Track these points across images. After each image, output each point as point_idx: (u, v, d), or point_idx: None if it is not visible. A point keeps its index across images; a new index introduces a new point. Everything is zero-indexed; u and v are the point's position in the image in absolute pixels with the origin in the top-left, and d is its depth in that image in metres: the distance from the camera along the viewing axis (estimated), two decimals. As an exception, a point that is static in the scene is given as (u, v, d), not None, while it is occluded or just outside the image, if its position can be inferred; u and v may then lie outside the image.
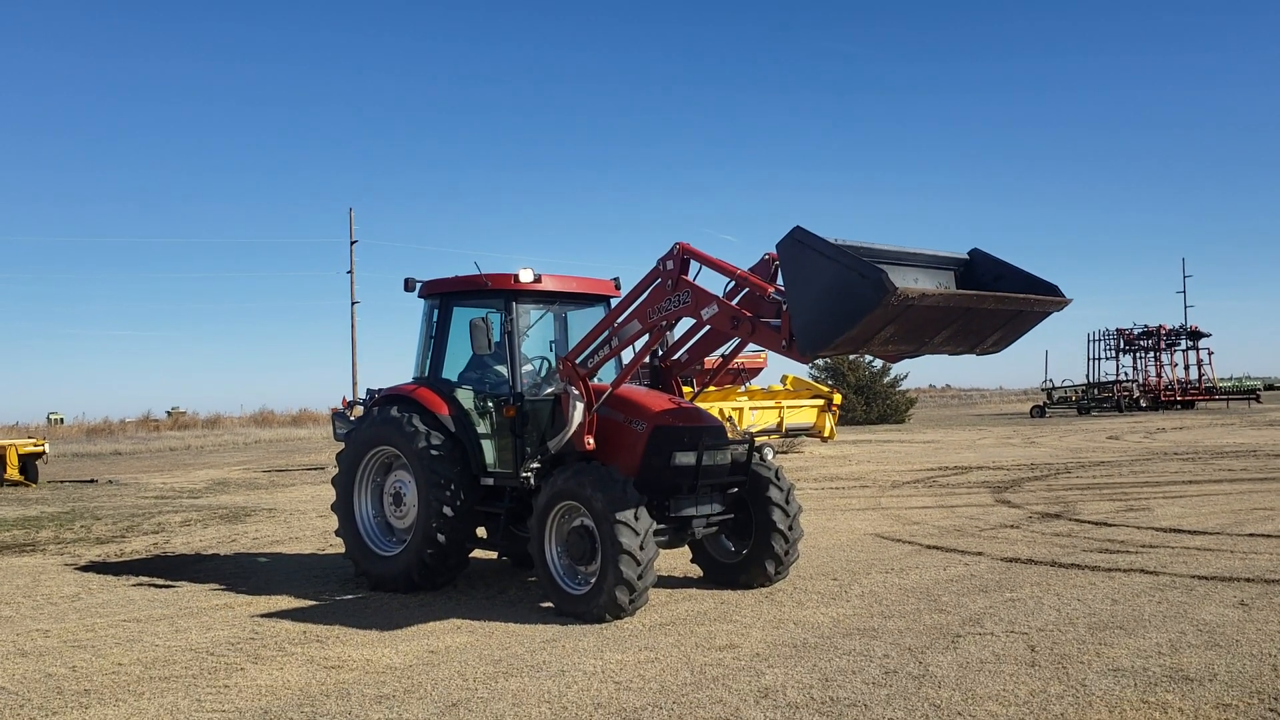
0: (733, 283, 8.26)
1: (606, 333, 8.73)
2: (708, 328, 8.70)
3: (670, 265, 8.29)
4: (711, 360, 9.73)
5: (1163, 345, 59.03)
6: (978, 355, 8.01)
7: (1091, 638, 7.11)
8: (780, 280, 8.28)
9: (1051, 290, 7.57)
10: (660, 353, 9.59)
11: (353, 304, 53.79)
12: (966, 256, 8.02)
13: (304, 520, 15.87)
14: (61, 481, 26.89)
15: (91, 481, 26.82)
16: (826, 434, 27.63)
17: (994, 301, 7.24)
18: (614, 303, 10.35)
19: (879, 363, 52.63)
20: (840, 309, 6.66)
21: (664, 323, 8.52)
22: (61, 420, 74.30)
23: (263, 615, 8.85)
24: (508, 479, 9.33)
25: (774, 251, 8.47)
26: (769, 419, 25.96)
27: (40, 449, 26.52)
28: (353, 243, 54.10)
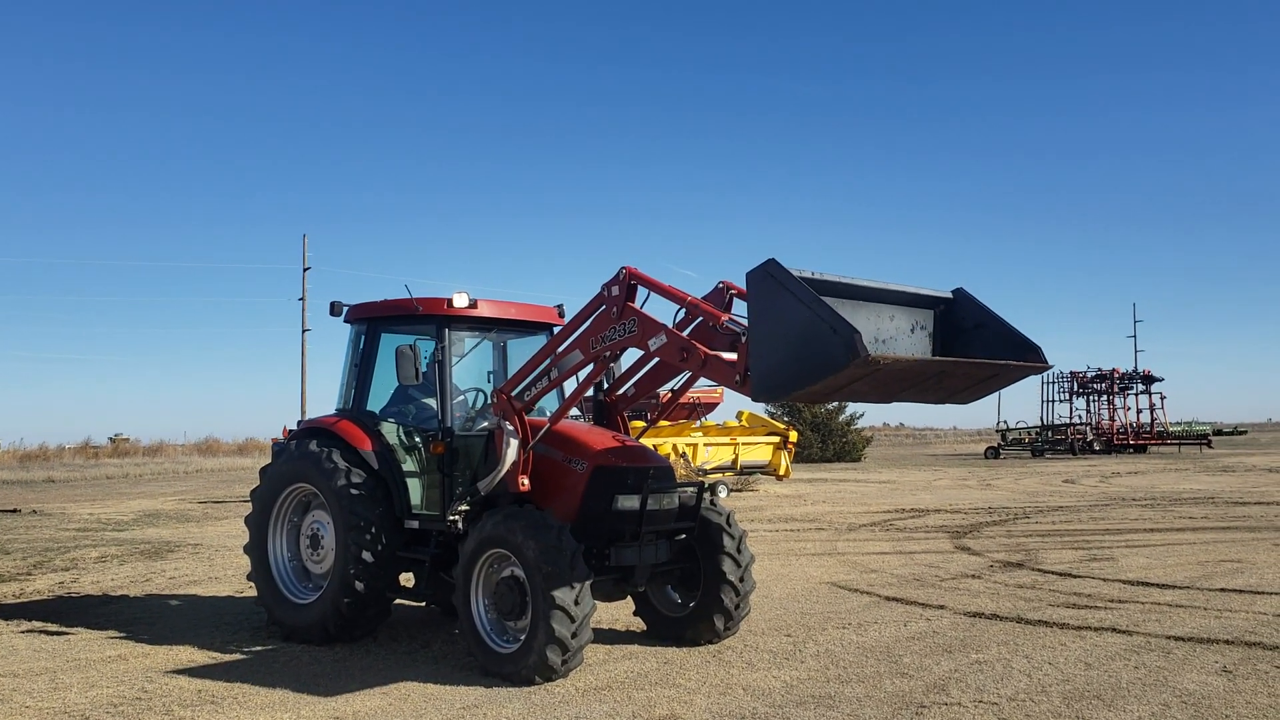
0: (683, 311, 7.59)
1: (546, 363, 8.02)
2: (656, 360, 8.02)
3: (615, 291, 7.60)
4: (665, 393, 9.07)
5: (1116, 389, 59.29)
6: (945, 404, 7.47)
7: (1068, 709, 6.46)
8: (734, 310, 7.69)
9: (1031, 351, 7.05)
10: (605, 385, 8.89)
11: (304, 331, 52.55)
12: (950, 295, 7.47)
13: (227, 558, 14.90)
14: (-18, 511, 25.59)
15: (14, 511, 25.53)
16: (782, 472, 27.05)
17: (970, 367, 6.80)
18: (557, 331, 9.66)
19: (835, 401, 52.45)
20: (805, 361, 6.05)
21: (608, 353, 7.82)
22: (-1, 445, 72.07)
23: (158, 670, 7.97)
24: (434, 522, 8.55)
25: (728, 280, 7.89)
26: (724, 456, 25.34)
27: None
28: (305, 269, 52.96)
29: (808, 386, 6.25)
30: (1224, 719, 6.19)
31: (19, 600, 11.58)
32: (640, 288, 7.61)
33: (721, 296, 7.90)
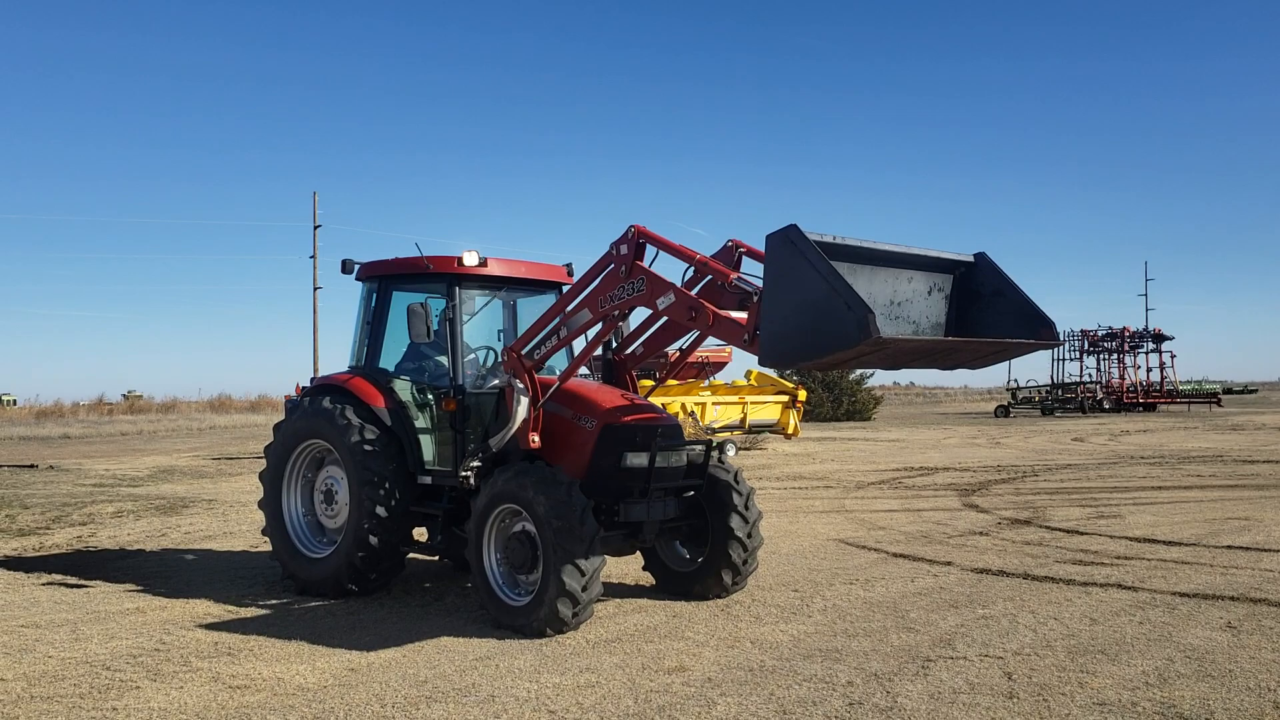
0: (692, 270, 7.59)
1: (555, 322, 8.06)
2: (665, 318, 8.05)
3: (624, 249, 7.61)
4: (674, 352, 9.10)
5: (1127, 347, 59.12)
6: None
7: (1072, 664, 6.54)
8: (743, 269, 7.66)
9: (1044, 326, 7.11)
10: (614, 344, 8.93)
11: (315, 289, 52.59)
12: (970, 259, 7.46)
13: (242, 513, 15.07)
14: (1, 466, 25.86)
15: (31, 466, 25.81)
16: (791, 431, 27.13)
17: (978, 345, 6.89)
18: (566, 290, 9.68)
19: (845, 359, 52.38)
20: (817, 332, 6.06)
21: (616, 312, 7.85)
22: (14, 401, 72.67)
23: (175, 622, 8.11)
24: (446, 478, 8.63)
25: (738, 238, 7.88)
26: (732, 415, 25.41)
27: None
28: (316, 227, 52.88)
29: (816, 358, 6.32)
30: (1228, 674, 6.26)
31: (39, 553, 11.76)
32: (649, 246, 7.61)
33: (730, 255, 7.88)
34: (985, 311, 7.37)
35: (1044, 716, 5.51)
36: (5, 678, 6.58)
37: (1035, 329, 7.10)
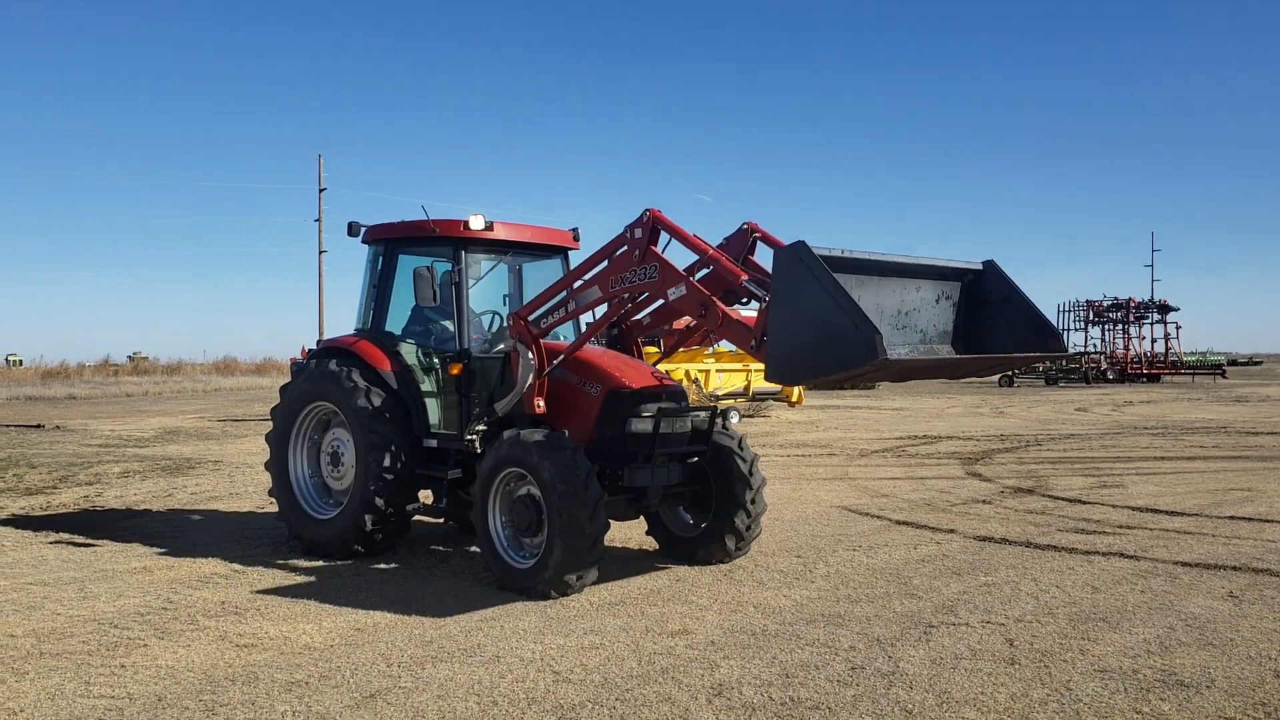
0: (704, 267, 7.60)
1: (564, 294, 8.10)
2: None
3: (639, 233, 7.61)
4: (680, 322, 9.11)
5: (1132, 318, 58.95)
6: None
7: (1074, 631, 6.57)
8: (758, 254, 7.82)
9: (1051, 336, 7.29)
10: (622, 312, 8.93)
11: (320, 252, 52.53)
12: (979, 267, 7.57)
13: (248, 474, 15.14)
14: (7, 426, 25.96)
15: (38, 427, 25.90)
16: (794, 399, 27.16)
17: (985, 360, 7.22)
18: (572, 255, 9.67)
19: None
20: (823, 351, 6.12)
21: (626, 295, 7.87)
22: (20, 362, 72.76)
23: (182, 582, 8.17)
24: (452, 441, 8.66)
25: (753, 221, 7.91)
26: (736, 382, 25.42)
27: (-16, 392, 25.56)
28: (321, 190, 52.75)
29: (823, 376, 6.43)
30: (1229, 642, 6.29)
31: (46, 513, 11.83)
32: (662, 232, 7.60)
33: (745, 239, 7.92)
34: (993, 318, 7.56)
35: (1045, 683, 5.55)
36: (15, 634, 6.64)
37: (1043, 339, 7.28)
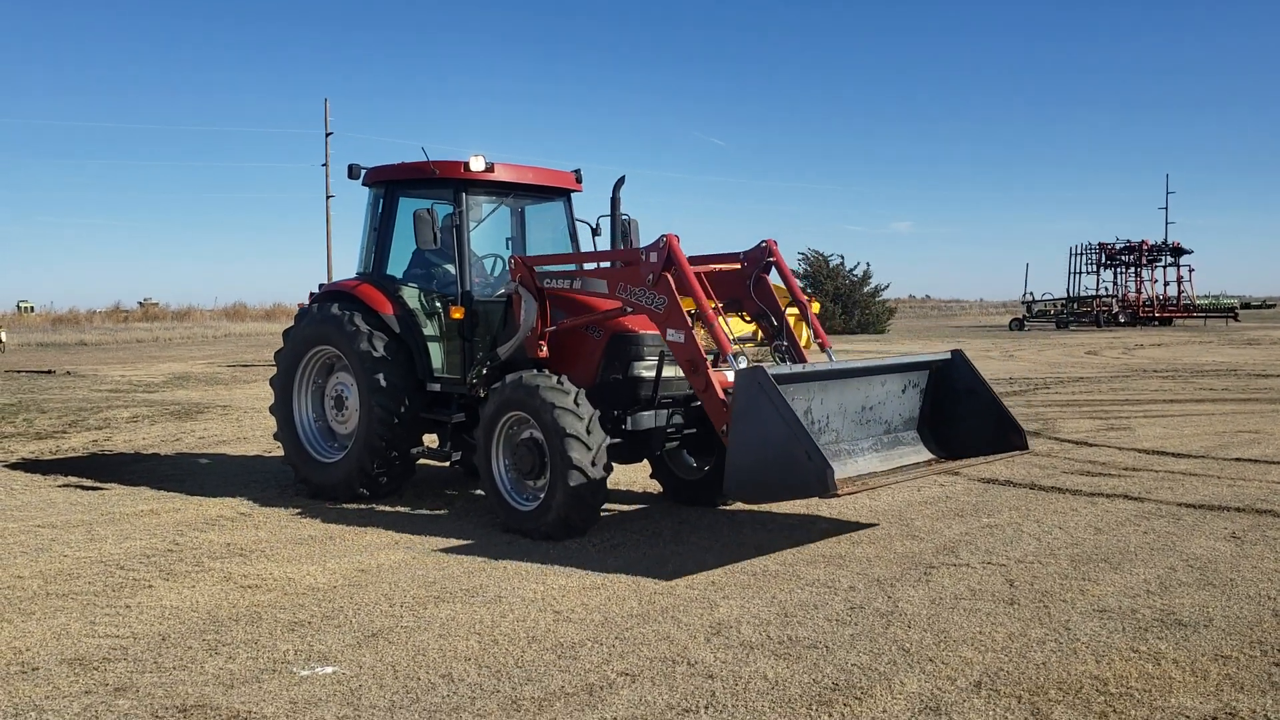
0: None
1: (572, 267, 8.25)
2: None
3: (654, 258, 7.56)
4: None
5: (1144, 261, 58.43)
6: None
7: (1075, 571, 6.58)
8: (770, 276, 8.22)
9: (1013, 432, 7.75)
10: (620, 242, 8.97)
11: (328, 197, 52.31)
12: (948, 356, 8.13)
13: (255, 419, 15.21)
14: (18, 371, 26.13)
15: (49, 372, 26.06)
16: (803, 343, 27.04)
17: (940, 470, 7.73)
18: (574, 197, 9.59)
19: (859, 270, 52.04)
20: (779, 474, 6.39)
21: (629, 308, 7.85)
22: (31, 308, 72.99)
23: (188, 524, 8.24)
24: (455, 385, 8.66)
25: (772, 240, 8.06)
26: (743, 327, 25.31)
27: (-3, 337, 25.71)
28: (328, 134, 52.37)
29: (777, 499, 7.06)
30: (1229, 583, 6.29)
31: (55, 457, 11.91)
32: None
33: (760, 257, 8.05)
34: (958, 406, 8.05)
35: (1043, 622, 5.56)
36: (22, 575, 6.71)
37: (1004, 438, 7.77)
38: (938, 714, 4.36)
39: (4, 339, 26.25)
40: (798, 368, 7.06)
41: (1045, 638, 5.31)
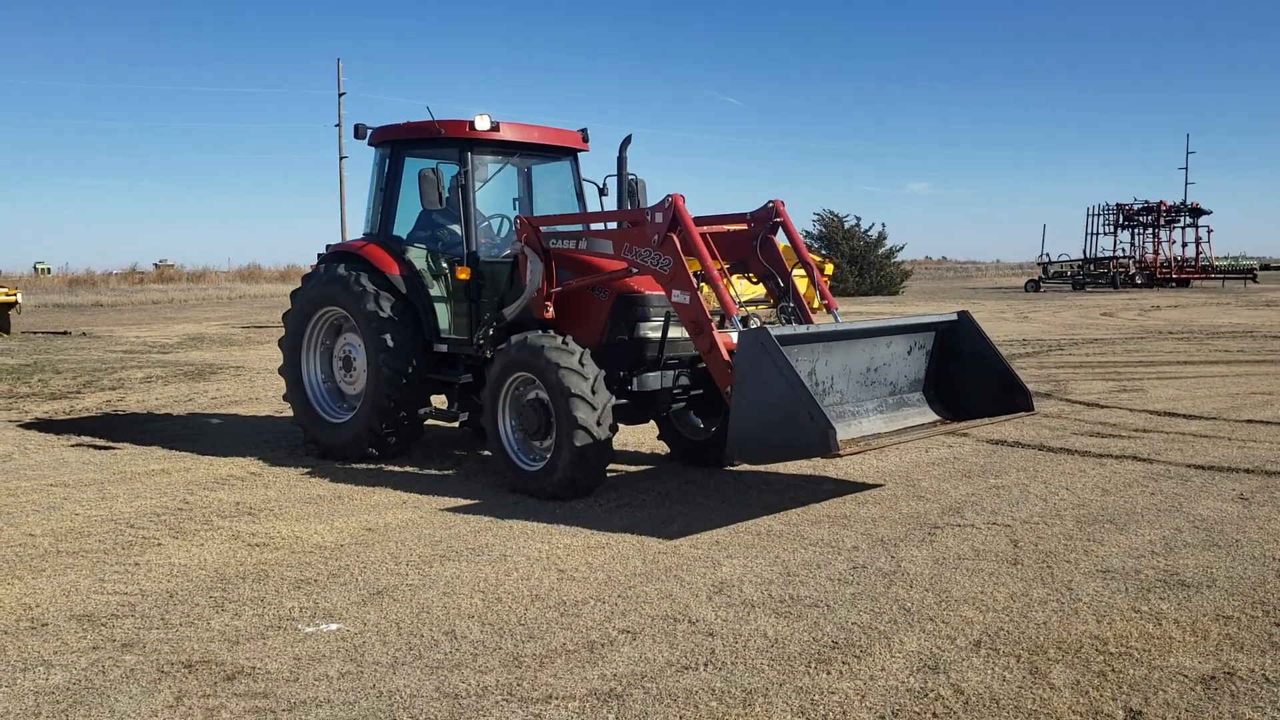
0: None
1: (578, 228, 8.20)
2: None
3: (659, 218, 7.50)
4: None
5: (1162, 222, 57.85)
6: None
7: (1080, 532, 6.58)
8: (778, 236, 8.11)
9: (1019, 394, 7.74)
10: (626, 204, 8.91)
11: (340, 158, 52.30)
12: (954, 318, 8.04)
13: (267, 380, 15.28)
14: (35, 333, 26.32)
15: (64, 333, 26.24)
16: (815, 306, 26.94)
17: (945, 431, 7.77)
18: (581, 157, 9.53)
19: (874, 231, 51.72)
20: (781, 435, 6.39)
21: (634, 269, 7.81)
22: (48, 270, 73.38)
23: (198, 483, 8.30)
24: (462, 346, 8.67)
25: (779, 200, 7.96)
26: (753, 289, 25.23)
27: (13, 299, 25.86)
28: (340, 95, 52.27)
29: (781, 460, 7.01)
30: (1234, 544, 6.27)
31: (69, 417, 12.01)
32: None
33: (767, 217, 7.94)
34: (964, 369, 8.01)
35: (1046, 582, 5.57)
36: (34, 533, 6.78)
37: (1009, 399, 7.75)
38: (936, 672, 4.38)
39: (20, 300, 26.35)
40: (801, 329, 7.03)
41: (1047, 598, 5.32)
